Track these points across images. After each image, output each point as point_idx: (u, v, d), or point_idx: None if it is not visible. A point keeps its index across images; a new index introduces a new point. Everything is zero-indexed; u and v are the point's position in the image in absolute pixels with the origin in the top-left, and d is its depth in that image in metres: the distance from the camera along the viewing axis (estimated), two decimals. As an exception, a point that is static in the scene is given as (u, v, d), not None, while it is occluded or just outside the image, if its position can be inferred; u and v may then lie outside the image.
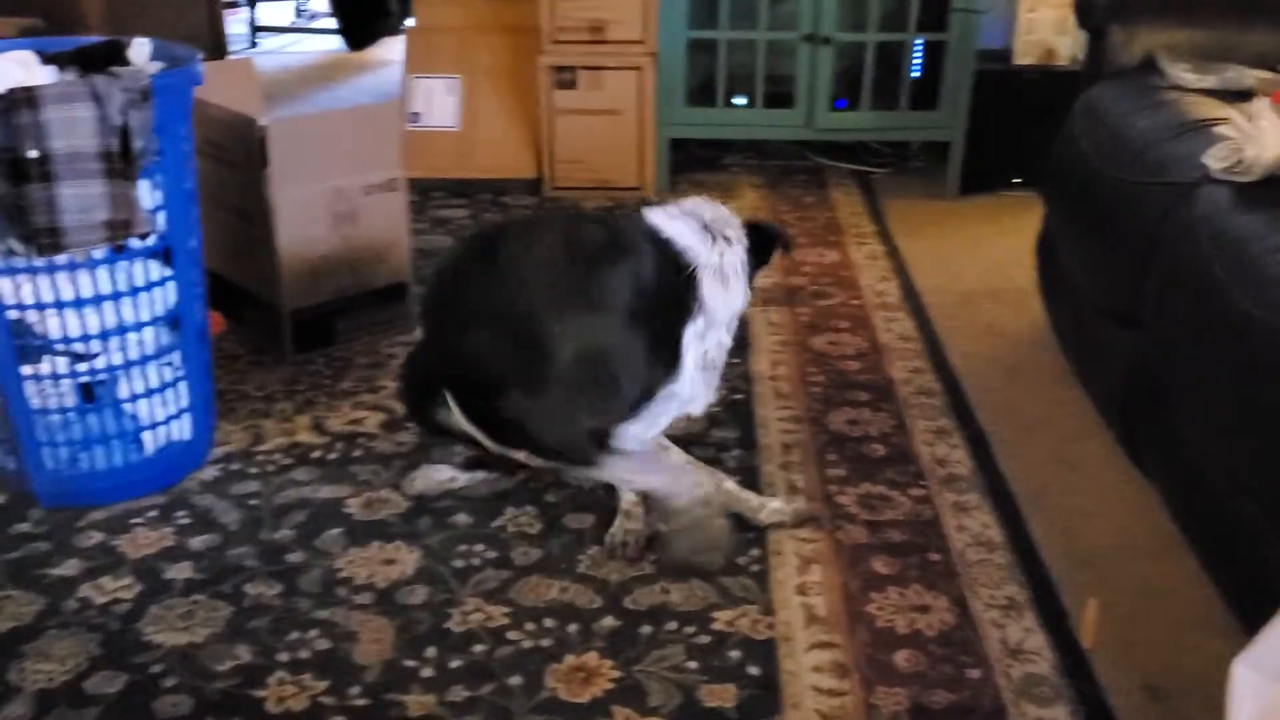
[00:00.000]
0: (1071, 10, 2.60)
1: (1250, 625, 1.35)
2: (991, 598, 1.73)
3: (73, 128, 1.66)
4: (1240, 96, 2.11)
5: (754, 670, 1.58)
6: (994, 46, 3.57)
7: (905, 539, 1.87)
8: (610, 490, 1.90)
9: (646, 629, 1.66)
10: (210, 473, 2.04)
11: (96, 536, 1.85)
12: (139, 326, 1.87)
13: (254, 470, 2.04)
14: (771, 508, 1.90)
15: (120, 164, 1.71)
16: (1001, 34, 3.58)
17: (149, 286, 1.87)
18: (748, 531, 1.87)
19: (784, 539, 1.86)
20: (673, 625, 1.66)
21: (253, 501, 1.95)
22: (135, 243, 1.81)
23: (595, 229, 1.93)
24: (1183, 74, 2.26)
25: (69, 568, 1.78)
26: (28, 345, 1.82)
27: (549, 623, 1.67)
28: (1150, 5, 2.46)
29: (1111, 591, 1.73)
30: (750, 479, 2.01)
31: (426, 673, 1.57)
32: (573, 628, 1.66)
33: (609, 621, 1.67)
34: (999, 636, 1.65)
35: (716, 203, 2.01)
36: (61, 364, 1.84)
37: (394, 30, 5.33)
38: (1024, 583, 1.76)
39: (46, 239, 1.69)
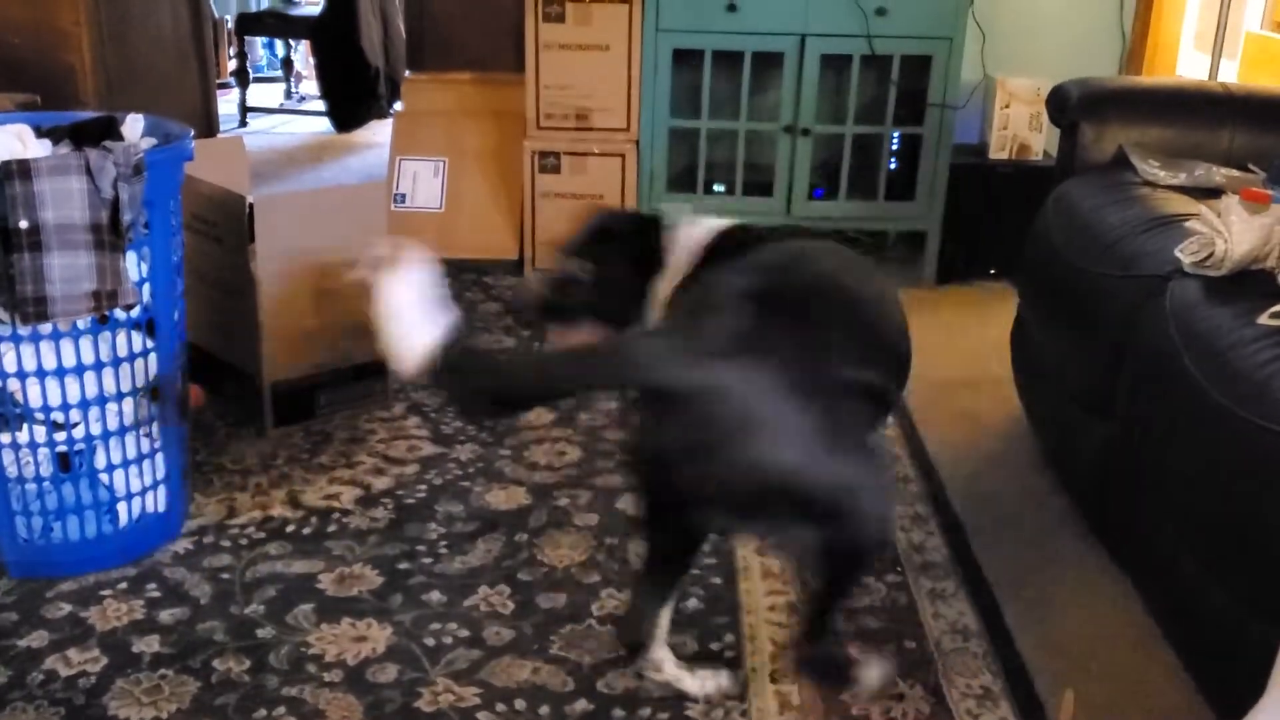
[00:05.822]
0: (1045, 107, 2.67)
1: (1226, 717, 1.35)
2: (967, 686, 1.72)
3: (64, 199, 1.68)
4: (1209, 193, 2.17)
5: (728, 756, 1.57)
6: (969, 141, 3.66)
7: (881, 626, 1.86)
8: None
9: (619, 713, 1.64)
10: (183, 545, 2.02)
11: (65, 608, 1.83)
12: (119, 397, 1.87)
13: (227, 544, 2.03)
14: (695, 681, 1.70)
15: (109, 236, 1.72)
16: (977, 129, 3.67)
17: (131, 357, 1.87)
18: (721, 616, 1.86)
19: (759, 624, 1.85)
20: (646, 710, 1.64)
21: (224, 575, 1.94)
22: (119, 313, 1.82)
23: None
24: (1153, 170, 2.31)
25: (36, 639, 1.75)
26: (7, 413, 1.81)
27: (520, 704, 1.65)
28: (1121, 103, 2.54)
29: (1087, 681, 1.73)
30: (727, 562, 2.01)
31: (396, 753, 1.55)
32: (544, 710, 1.64)
33: (581, 705, 1.65)
34: (974, 725, 1.64)
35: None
36: (40, 432, 1.84)
37: (382, 114, 5.42)
38: (999, 671, 1.76)
39: (32, 307, 1.69)
